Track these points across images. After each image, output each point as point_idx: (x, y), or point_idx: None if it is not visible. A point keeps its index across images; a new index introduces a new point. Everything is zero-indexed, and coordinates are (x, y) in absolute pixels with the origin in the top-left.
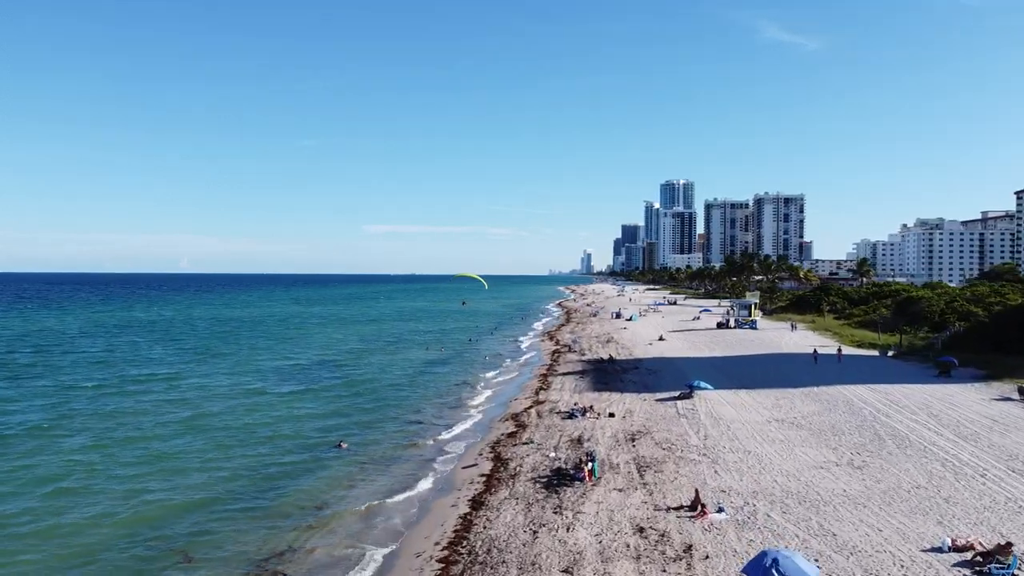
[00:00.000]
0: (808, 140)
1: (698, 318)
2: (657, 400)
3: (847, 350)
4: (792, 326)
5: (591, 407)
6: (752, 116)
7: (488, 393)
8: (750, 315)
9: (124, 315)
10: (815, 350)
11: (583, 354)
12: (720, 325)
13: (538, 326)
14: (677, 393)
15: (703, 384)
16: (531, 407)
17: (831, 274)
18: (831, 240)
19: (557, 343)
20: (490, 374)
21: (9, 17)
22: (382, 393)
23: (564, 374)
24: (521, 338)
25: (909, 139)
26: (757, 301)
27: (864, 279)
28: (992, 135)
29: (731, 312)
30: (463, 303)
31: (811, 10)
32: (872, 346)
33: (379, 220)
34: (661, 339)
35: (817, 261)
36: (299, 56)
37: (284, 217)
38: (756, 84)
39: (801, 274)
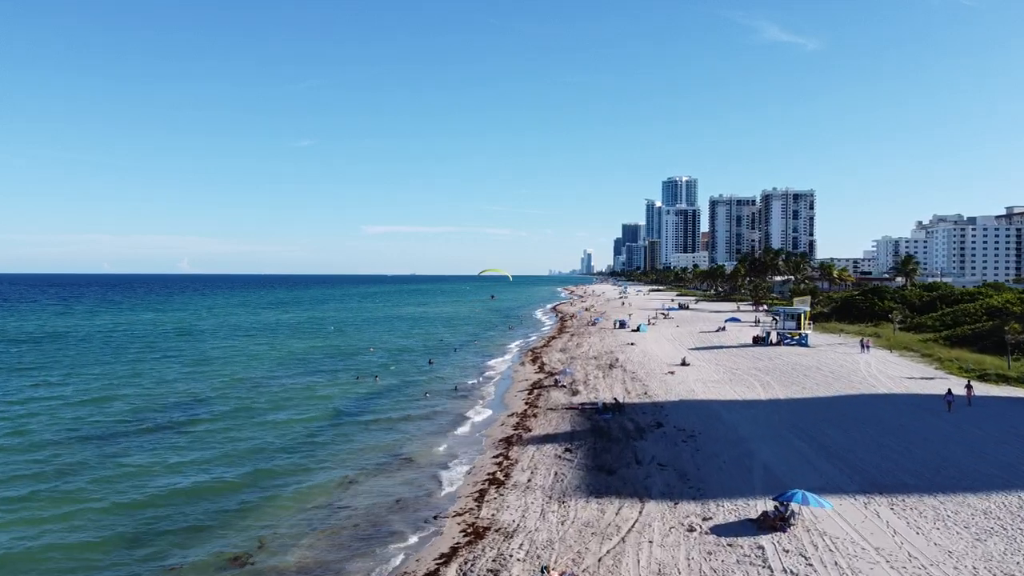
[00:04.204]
0: (808, 139)
1: (723, 328)
2: (715, 533)
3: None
4: (863, 344)
5: None
6: (751, 115)
7: (400, 492)
8: (798, 327)
9: (45, 323)
10: (950, 391)
11: (575, 392)
12: (757, 340)
13: (523, 339)
14: (756, 513)
15: (809, 498)
16: (455, 553)
17: (863, 274)
18: (832, 239)
19: (541, 368)
20: (420, 442)
21: (7, 18)
22: (198, 507)
23: (540, 440)
24: (495, 359)
25: (911, 137)
26: (808, 309)
27: (908, 280)
28: (1001, 131)
29: (774, 324)
30: (492, 297)
31: (809, 11)
32: (1001, 378)
33: (378, 221)
34: (684, 363)
35: (832, 259)
36: (296, 56)
37: (283, 218)
38: (755, 83)
39: (835, 273)
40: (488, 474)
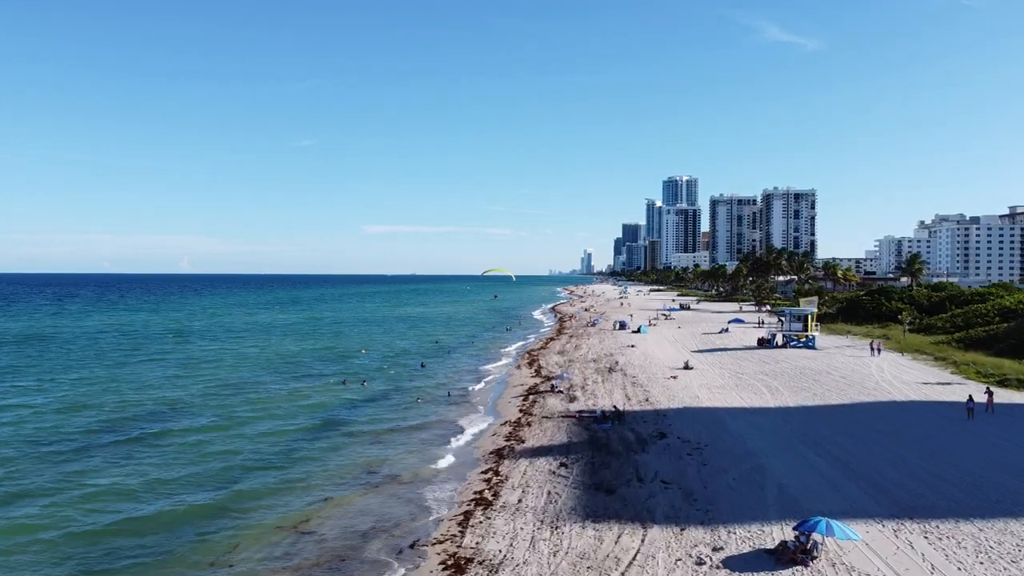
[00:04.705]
0: (809, 138)
1: (726, 330)
2: (728, 567)
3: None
4: (873, 347)
5: None
6: (752, 114)
7: (378, 514)
8: (805, 329)
9: (35, 323)
10: (971, 398)
11: (572, 398)
12: (762, 342)
13: (520, 341)
14: (772, 541)
15: (834, 527)
16: None
17: (867, 274)
18: (833, 238)
19: (537, 372)
20: (405, 456)
21: (6, 16)
22: (155, 537)
23: (533, 453)
24: (491, 362)
25: (912, 137)
26: (815, 310)
27: (914, 280)
28: (1002, 130)
29: (780, 325)
30: (495, 296)
31: (809, 11)
32: (1023, 384)
33: (379, 220)
34: (687, 367)
35: (834, 259)
36: (297, 55)
37: (284, 218)
38: (756, 82)
39: (839, 273)
40: (475, 493)
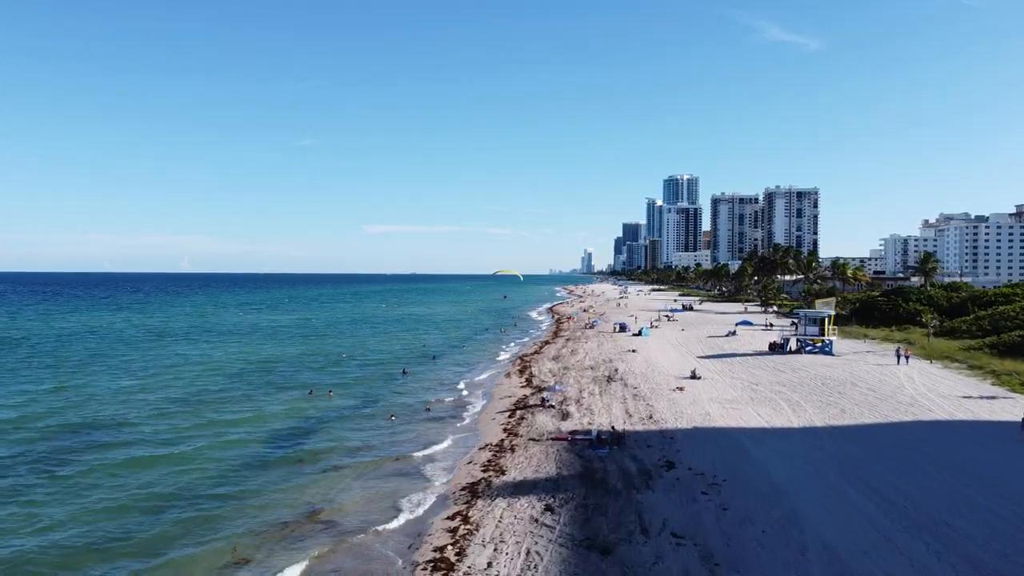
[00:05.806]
0: (810, 137)
1: (734, 333)
2: None
3: None
4: (900, 355)
5: None
6: (752, 113)
7: None
8: (822, 333)
9: (11, 324)
10: None
11: (565, 414)
12: (774, 347)
13: (515, 344)
14: None
15: None
16: None
17: (876, 273)
18: (833, 237)
19: (528, 381)
20: (357, 492)
21: (7, 13)
22: None
23: (514, 489)
24: (480, 369)
25: (911, 136)
26: (832, 312)
27: (927, 279)
28: (1003, 129)
29: (795, 329)
30: (504, 297)
31: (809, 11)
32: None
33: (379, 220)
34: (694, 376)
35: (839, 259)
36: (297, 55)
37: (284, 217)
38: (757, 81)
39: (849, 273)
40: (435, 550)
